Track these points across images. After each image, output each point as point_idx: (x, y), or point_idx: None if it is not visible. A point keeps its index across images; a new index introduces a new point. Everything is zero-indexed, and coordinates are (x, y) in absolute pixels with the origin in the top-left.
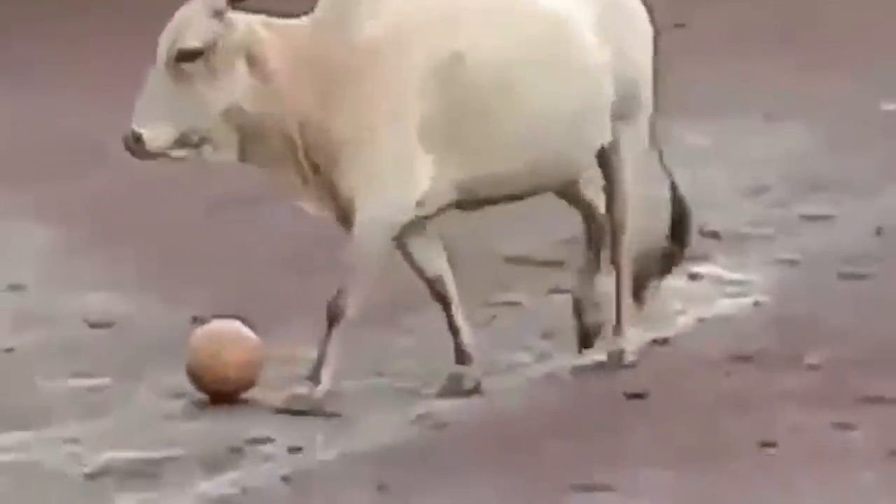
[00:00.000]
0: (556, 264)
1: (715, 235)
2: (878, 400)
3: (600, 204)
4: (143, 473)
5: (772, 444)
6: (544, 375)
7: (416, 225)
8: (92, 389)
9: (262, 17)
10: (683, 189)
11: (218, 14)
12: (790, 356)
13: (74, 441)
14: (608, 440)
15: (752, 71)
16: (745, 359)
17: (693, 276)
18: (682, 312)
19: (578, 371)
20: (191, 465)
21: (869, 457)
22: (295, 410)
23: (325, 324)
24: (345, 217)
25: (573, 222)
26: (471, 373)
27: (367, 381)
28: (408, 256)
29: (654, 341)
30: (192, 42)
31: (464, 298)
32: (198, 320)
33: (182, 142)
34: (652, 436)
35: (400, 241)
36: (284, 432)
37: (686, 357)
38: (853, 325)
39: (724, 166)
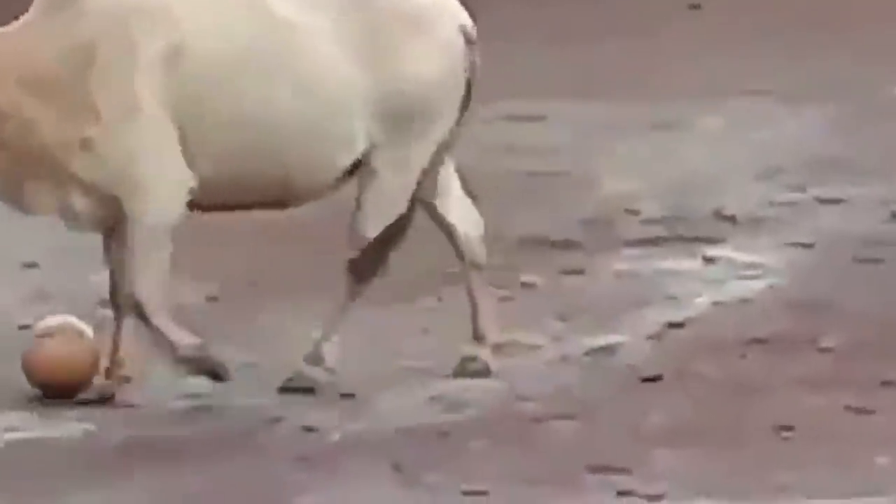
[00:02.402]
0: (571, 245)
1: (730, 218)
2: (894, 383)
3: (462, 224)
4: (159, 452)
5: (787, 428)
6: (559, 357)
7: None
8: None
9: None
10: (699, 172)
11: None
12: (805, 339)
13: (91, 419)
14: (623, 423)
15: (767, 53)
16: (761, 342)
17: (708, 259)
18: (697, 295)
19: (594, 353)
20: (207, 444)
21: (885, 440)
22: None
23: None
24: (96, 213)
25: (588, 203)
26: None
27: (382, 362)
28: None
29: (670, 324)
30: None
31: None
32: (212, 299)
33: None
34: (667, 419)
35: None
36: (299, 412)
37: (701, 340)
38: (868, 309)
39: (738, 149)
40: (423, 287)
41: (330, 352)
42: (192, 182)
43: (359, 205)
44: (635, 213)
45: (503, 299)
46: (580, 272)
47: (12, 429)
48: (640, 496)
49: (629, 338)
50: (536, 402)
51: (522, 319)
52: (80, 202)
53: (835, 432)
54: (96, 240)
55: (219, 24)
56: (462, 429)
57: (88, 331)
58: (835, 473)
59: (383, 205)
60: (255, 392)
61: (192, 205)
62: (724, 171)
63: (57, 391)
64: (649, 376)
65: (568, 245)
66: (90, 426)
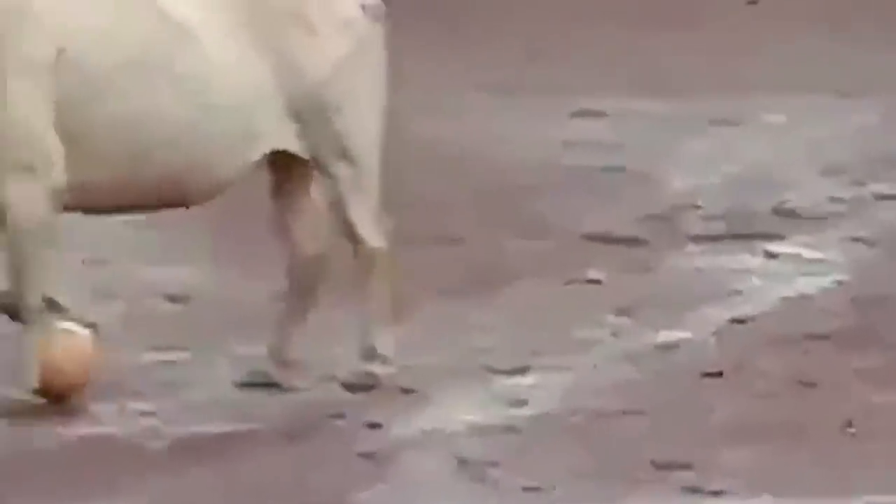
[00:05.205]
0: (635, 241)
1: (791, 214)
2: None
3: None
4: (220, 447)
5: (850, 424)
6: (622, 353)
7: None
8: (170, 363)
9: None
10: (760, 168)
11: None
12: (868, 335)
13: (152, 415)
14: (688, 419)
15: (826, 47)
16: (824, 338)
17: (770, 255)
18: (759, 291)
19: (657, 349)
20: (269, 439)
21: None
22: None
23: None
24: None
25: (651, 199)
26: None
27: (445, 357)
28: None
29: (732, 320)
30: None
31: (543, 275)
32: (276, 296)
33: None
34: (729, 415)
35: None
36: (362, 408)
37: (764, 335)
38: None
39: (799, 145)
40: (488, 282)
41: (386, 346)
42: (63, 183)
43: (336, 209)
44: (697, 209)
45: (568, 295)
46: (644, 268)
47: (84, 422)
48: (704, 492)
49: (693, 334)
50: (600, 397)
51: (586, 315)
52: None
53: None
54: (162, 235)
55: (104, 28)
56: (526, 424)
57: (87, 333)
58: None
59: (358, 200)
60: (318, 387)
61: (91, 209)
62: (786, 167)
63: (57, 395)
64: (713, 372)
65: (631, 241)
66: (152, 421)
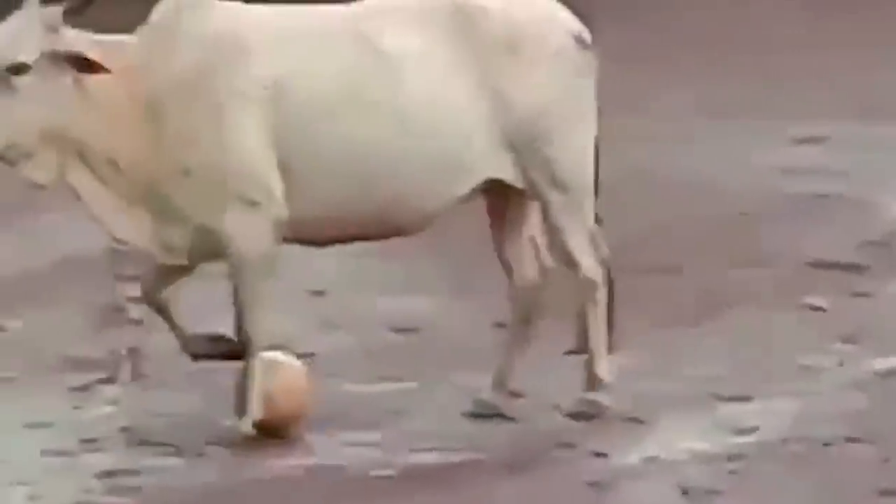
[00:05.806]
0: (859, 268)
1: None
2: None
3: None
4: (445, 477)
5: None
6: (848, 380)
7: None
8: (395, 393)
9: (90, 35)
10: None
11: (52, 29)
12: None
13: (377, 445)
14: None
15: None
16: None
17: None
18: None
19: (883, 376)
20: (494, 468)
21: None
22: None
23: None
24: (183, 246)
25: (872, 225)
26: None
27: (670, 385)
28: None
29: None
30: (23, 56)
31: (766, 302)
32: (499, 325)
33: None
34: None
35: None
36: (586, 437)
37: None
38: None
39: None
40: (714, 308)
41: (608, 374)
42: (285, 216)
43: (552, 237)
44: None
45: (791, 322)
46: (867, 295)
47: (309, 453)
48: None
49: None
50: (826, 425)
51: (810, 342)
52: (177, 233)
53: None
54: (384, 266)
55: (320, 61)
56: (751, 452)
57: (301, 366)
58: None
59: (572, 228)
60: (542, 416)
61: (307, 241)
62: None
63: (274, 428)
64: None
65: (851, 267)
66: (377, 451)
